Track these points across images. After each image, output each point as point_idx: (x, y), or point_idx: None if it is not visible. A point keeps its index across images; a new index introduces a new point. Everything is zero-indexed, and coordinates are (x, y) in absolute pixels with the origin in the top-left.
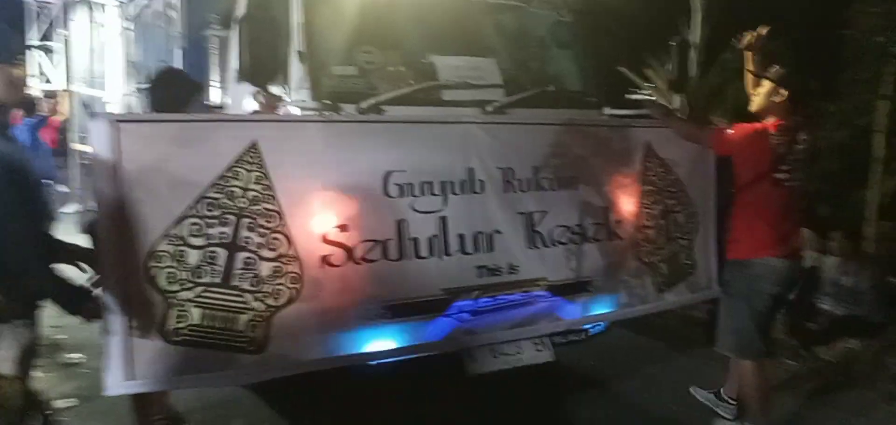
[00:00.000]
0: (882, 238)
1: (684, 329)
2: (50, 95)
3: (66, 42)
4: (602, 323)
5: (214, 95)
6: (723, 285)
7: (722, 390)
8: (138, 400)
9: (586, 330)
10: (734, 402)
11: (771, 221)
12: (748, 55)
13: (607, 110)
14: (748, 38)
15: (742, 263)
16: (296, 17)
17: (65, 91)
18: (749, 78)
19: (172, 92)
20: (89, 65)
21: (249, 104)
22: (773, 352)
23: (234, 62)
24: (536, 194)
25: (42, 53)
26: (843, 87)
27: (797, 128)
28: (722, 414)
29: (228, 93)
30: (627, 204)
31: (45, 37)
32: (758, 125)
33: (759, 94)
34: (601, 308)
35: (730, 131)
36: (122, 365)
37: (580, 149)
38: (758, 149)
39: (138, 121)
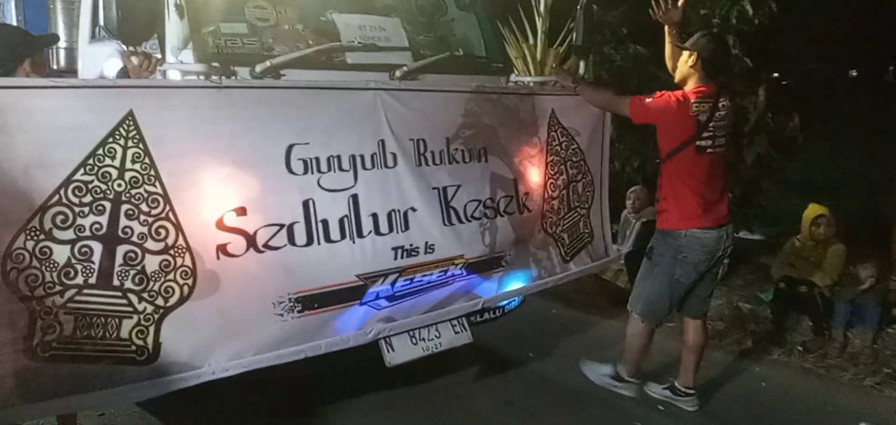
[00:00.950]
0: None
1: (595, 297)
2: None
3: None
4: (516, 298)
5: (60, 57)
6: (648, 252)
7: (676, 383)
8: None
9: (502, 306)
10: (693, 391)
11: (696, 190)
12: (667, 27)
13: (513, 77)
14: (664, 9)
15: (669, 233)
16: None
17: None
18: (668, 49)
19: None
20: None
21: (111, 68)
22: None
23: (86, 18)
24: (449, 167)
25: None
26: None
27: (718, 96)
28: (684, 407)
29: (80, 54)
30: (535, 174)
31: None
32: (678, 93)
33: (679, 63)
34: (515, 282)
35: (649, 99)
36: None
37: (490, 119)
38: (678, 117)
39: None
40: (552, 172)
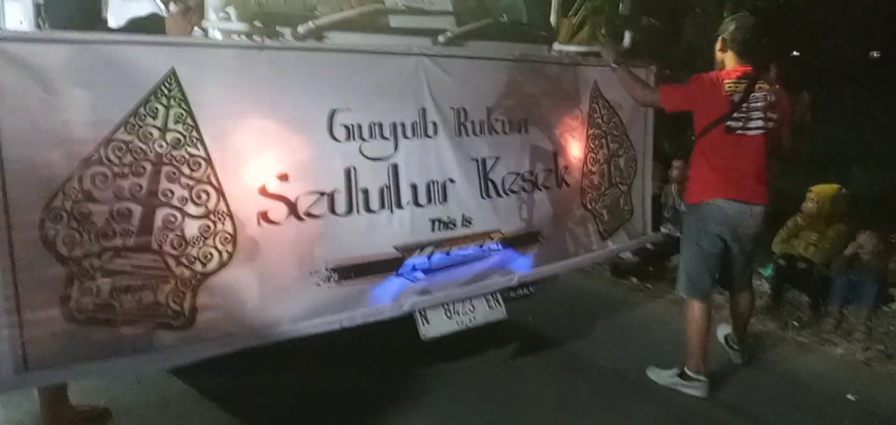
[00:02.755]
0: None
1: (625, 277)
2: None
3: None
4: (551, 274)
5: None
6: (681, 229)
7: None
8: (47, 395)
9: (537, 282)
10: (737, 347)
11: (720, 165)
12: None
13: (557, 46)
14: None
15: (694, 206)
16: None
17: None
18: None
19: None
20: None
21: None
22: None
23: None
24: (489, 138)
25: None
26: None
27: (756, 78)
28: (733, 359)
29: (111, 11)
30: (575, 148)
31: None
32: (713, 73)
33: (716, 51)
34: (551, 259)
35: (681, 86)
36: (12, 353)
37: (532, 89)
38: (711, 97)
39: (24, 41)
40: (593, 146)
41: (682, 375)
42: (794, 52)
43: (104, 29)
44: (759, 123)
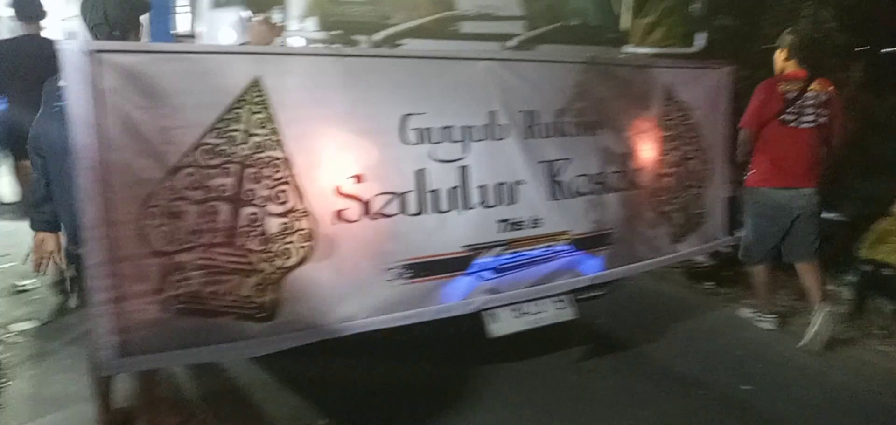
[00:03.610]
0: None
1: (700, 280)
2: None
3: None
4: (622, 276)
5: (181, 22)
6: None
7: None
8: (140, 379)
9: (607, 284)
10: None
11: (774, 156)
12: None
13: (628, 48)
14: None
15: (752, 190)
16: None
17: None
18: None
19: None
20: None
21: (230, 34)
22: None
23: None
24: (559, 140)
25: None
26: None
27: (811, 79)
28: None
29: (203, 18)
30: (647, 150)
31: None
32: (770, 79)
33: (776, 59)
34: (621, 261)
35: (748, 108)
36: (116, 339)
37: (602, 91)
38: (769, 98)
39: (125, 53)
40: (665, 148)
41: (757, 315)
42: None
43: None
44: (811, 118)
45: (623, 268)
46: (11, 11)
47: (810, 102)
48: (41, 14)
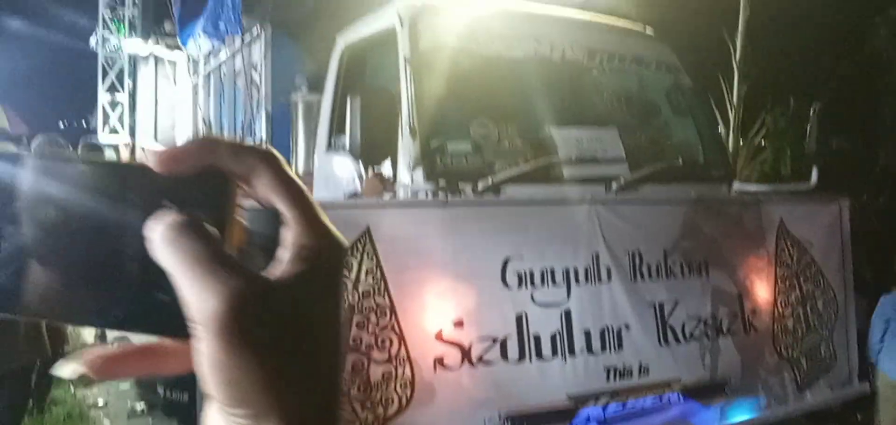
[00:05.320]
0: None
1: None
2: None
3: (131, 96)
4: None
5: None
6: None
7: None
8: None
9: None
10: None
11: None
12: None
13: (737, 186)
14: None
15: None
16: (406, 87)
17: (127, 144)
18: None
19: None
20: (155, 119)
21: (342, 174)
22: None
23: (323, 129)
24: (666, 282)
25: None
26: None
27: None
28: None
29: (318, 160)
30: (762, 290)
31: (112, 89)
32: None
33: None
34: (739, 412)
35: None
36: None
37: (711, 229)
38: None
39: None
40: (783, 287)
41: None
42: None
43: None
44: None
45: (741, 420)
46: None
47: None
48: None
